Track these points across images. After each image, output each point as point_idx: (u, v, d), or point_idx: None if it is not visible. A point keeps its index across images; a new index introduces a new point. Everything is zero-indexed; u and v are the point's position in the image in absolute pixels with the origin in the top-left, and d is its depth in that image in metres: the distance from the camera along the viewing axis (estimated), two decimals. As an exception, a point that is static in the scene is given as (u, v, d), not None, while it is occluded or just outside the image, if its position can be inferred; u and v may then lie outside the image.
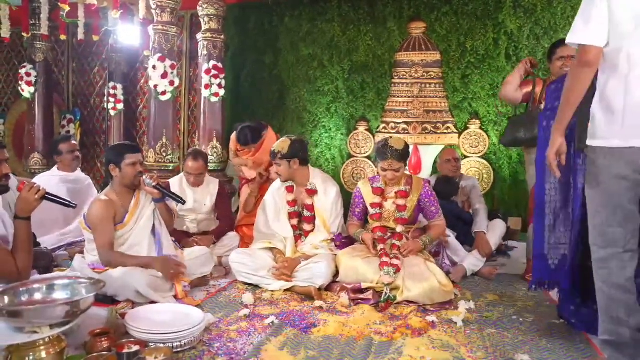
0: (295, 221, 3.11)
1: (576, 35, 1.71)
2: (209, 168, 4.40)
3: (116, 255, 2.55)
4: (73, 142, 3.81)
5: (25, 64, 5.38)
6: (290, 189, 3.14)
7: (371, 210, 2.97)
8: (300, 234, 3.11)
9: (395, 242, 2.84)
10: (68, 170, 3.71)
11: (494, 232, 3.39)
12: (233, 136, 4.19)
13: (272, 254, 3.03)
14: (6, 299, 1.76)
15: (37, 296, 1.85)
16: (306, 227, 3.09)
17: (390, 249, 2.83)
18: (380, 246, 2.84)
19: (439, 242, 3.19)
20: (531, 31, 4.57)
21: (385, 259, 2.71)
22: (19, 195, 2.11)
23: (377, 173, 3.03)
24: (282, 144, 3.07)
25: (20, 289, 1.84)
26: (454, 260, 3.22)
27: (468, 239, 3.37)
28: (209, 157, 4.50)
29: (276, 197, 3.18)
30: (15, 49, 6.43)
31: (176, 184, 3.49)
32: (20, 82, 5.37)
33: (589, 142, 1.78)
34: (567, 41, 1.76)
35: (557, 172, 1.90)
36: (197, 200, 3.48)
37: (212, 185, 3.57)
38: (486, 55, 4.71)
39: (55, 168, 3.76)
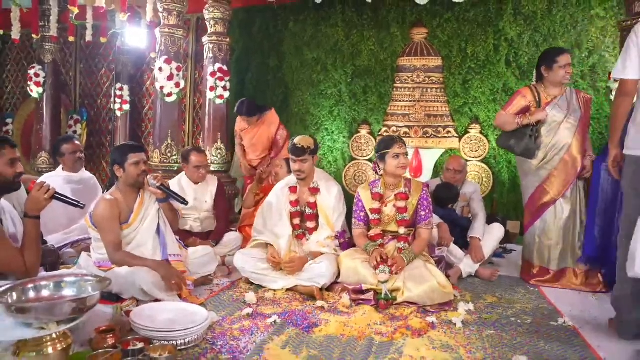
0: (297, 220, 3.14)
1: (618, 72, 2.34)
2: (214, 169, 4.49)
3: (124, 256, 2.59)
4: (76, 142, 3.75)
5: (34, 65, 5.45)
6: (293, 189, 3.18)
7: (370, 216, 2.97)
8: (304, 232, 3.14)
9: (399, 245, 2.86)
10: (71, 171, 3.70)
11: (491, 235, 3.42)
12: (238, 118, 4.45)
13: (268, 250, 3.05)
14: (15, 295, 1.79)
15: (45, 293, 1.88)
16: (309, 224, 3.13)
17: (395, 252, 2.84)
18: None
19: (441, 250, 3.22)
20: (531, 38, 4.62)
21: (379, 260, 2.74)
22: (30, 194, 2.16)
23: (378, 176, 3.04)
24: (307, 140, 3.08)
25: (29, 286, 1.87)
26: (451, 262, 3.26)
27: (466, 244, 3.38)
28: (213, 158, 4.59)
29: (280, 196, 3.22)
30: (25, 50, 6.51)
31: (175, 183, 3.53)
32: (29, 83, 5.43)
33: (624, 151, 2.32)
34: (612, 76, 2.54)
35: (617, 175, 2.45)
36: (198, 198, 3.53)
37: (211, 183, 3.62)
38: (487, 61, 4.75)
39: (60, 168, 3.75)
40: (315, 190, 3.13)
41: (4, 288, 1.77)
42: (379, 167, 2.97)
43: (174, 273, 2.57)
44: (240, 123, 4.69)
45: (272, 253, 2.95)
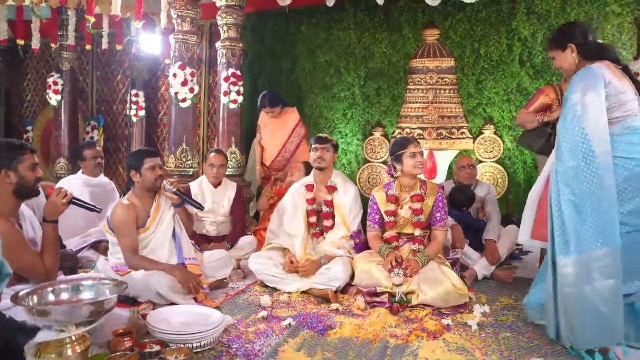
0: (314, 218, 3.18)
1: None
2: (228, 172, 4.52)
3: (140, 260, 2.62)
4: (97, 148, 3.92)
5: (52, 73, 5.58)
6: (310, 187, 3.23)
7: (386, 218, 2.97)
8: (321, 231, 3.18)
9: (414, 247, 2.85)
10: (91, 175, 3.83)
11: (507, 238, 3.38)
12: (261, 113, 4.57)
13: (284, 253, 3.11)
14: (35, 298, 1.84)
15: (64, 296, 1.93)
16: (326, 222, 3.17)
17: (410, 254, 2.82)
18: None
19: (455, 252, 3.20)
20: (544, 37, 4.55)
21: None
22: (48, 199, 2.21)
23: (392, 178, 3.04)
24: (330, 137, 3.34)
25: (48, 289, 1.92)
26: (466, 264, 3.23)
27: (481, 246, 3.36)
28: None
29: (295, 196, 3.27)
30: (44, 59, 6.66)
31: (196, 186, 3.62)
32: (48, 91, 5.57)
33: None
34: None
35: None
36: (216, 201, 3.58)
37: (230, 188, 3.68)
38: (500, 61, 4.70)
39: (80, 172, 3.88)
40: (332, 189, 3.18)
41: (24, 291, 1.81)
42: (394, 169, 2.97)
43: (190, 276, 2.60)
44: (262, 117, 4.66)
45: (289, 257, 3.00)
